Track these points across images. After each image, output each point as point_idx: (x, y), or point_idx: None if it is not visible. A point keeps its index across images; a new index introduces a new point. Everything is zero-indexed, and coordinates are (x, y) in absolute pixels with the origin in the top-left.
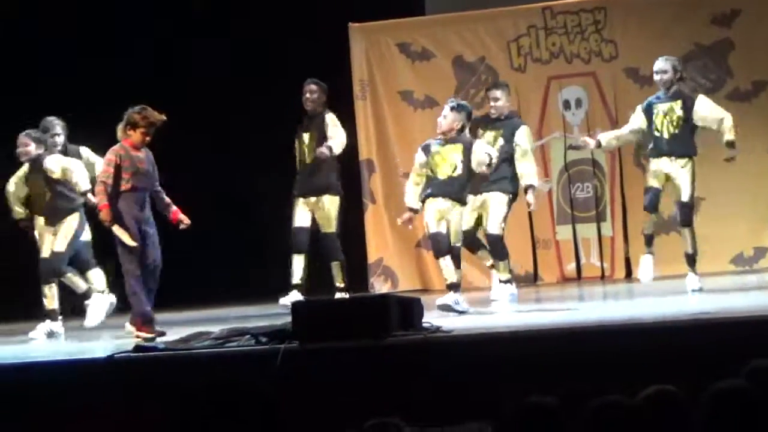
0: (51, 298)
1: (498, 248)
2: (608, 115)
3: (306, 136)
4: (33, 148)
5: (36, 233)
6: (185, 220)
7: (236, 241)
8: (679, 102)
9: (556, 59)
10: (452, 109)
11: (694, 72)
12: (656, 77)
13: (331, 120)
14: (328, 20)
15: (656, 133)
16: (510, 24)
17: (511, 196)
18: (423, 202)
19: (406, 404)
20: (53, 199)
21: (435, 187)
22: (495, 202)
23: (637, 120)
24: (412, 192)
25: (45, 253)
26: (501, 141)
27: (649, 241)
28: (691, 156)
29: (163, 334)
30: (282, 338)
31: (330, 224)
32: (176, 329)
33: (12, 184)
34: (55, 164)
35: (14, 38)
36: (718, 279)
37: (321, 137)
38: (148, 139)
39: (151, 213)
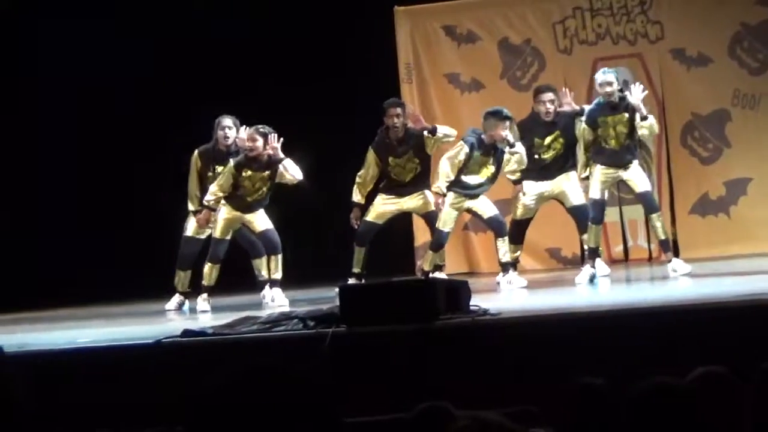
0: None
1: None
2: (654, 96)
3: (403, 159)
4: (261, 144)
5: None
6: None
7: (287, 225)
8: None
9: (602, 41)
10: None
11: (741, 52)
12: (547, 107)
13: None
14: (374, 4)
15: (605, 145)
16: (556, 6)
17: None
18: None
19: (455, 388)
20: (265, 196)
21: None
22: (573, 178)
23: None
24: None
25: (262, 227)
26: (561, 140)
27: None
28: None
29: None
30: (330, 322)
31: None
32: (224, 314)
33: (224, 177)
34: (296, 170)
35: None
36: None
37: (420, 154)
38: None
39: None
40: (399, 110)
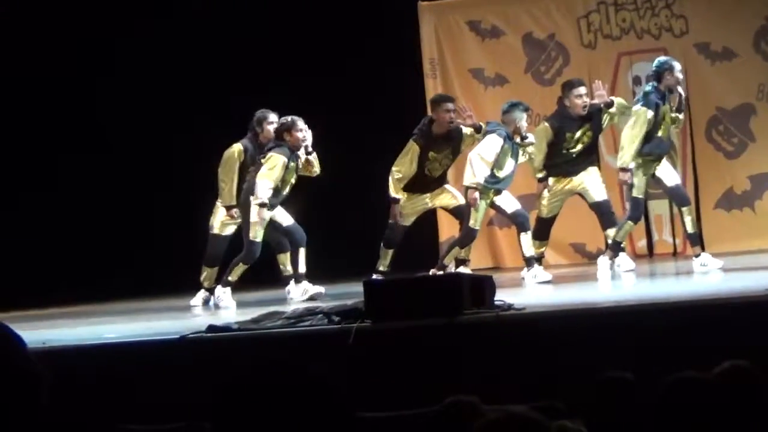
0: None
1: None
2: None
3: (441, 155)
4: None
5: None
6: None
7: (315, 222)
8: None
9: (627, 35)
10: None
11: (766, 46)
12: (584, 100)
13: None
14: None
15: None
16: (580, 0)
17: None
18: None
19: (480, 382)
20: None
21: None
22: (594, 174)
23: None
24: None
25: (287, 221)
26: (590, 134)
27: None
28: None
29: None
30: (355, 317)
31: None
32: (249, 309)
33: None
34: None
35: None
36: None
37: (456, 151)
38: None
39: None
40: (453, 105)
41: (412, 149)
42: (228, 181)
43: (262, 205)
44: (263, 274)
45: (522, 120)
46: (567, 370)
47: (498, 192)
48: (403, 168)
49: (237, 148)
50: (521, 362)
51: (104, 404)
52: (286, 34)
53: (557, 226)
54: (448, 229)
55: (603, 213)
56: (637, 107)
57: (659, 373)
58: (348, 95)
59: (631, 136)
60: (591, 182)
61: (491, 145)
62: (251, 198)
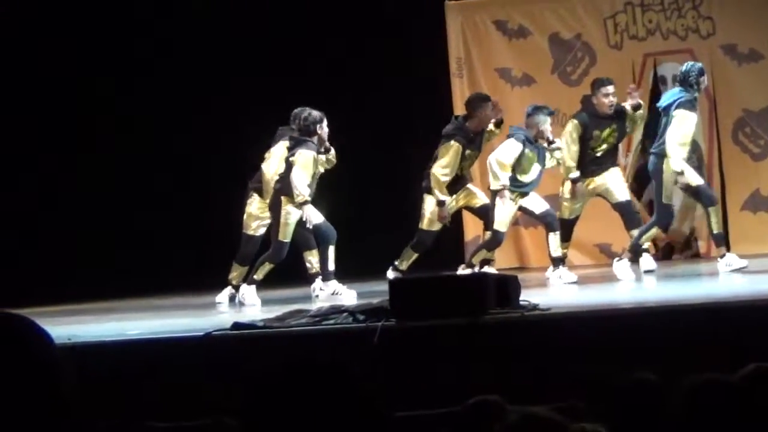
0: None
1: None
2: (705, 92)
3: (474, 153)
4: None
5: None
6: None
7: (340, 219)
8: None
9: (653, 36)
10: None
11: None
12: (611, 99)
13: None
14: None
15: None
16: (606, 1)
17: None
18: None
19: (504, 382)
20: None
21: None
22: (616, 174)
23: None
24: None
25: (317, 219)
26: (616, 135)
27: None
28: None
29: None
30: (379, 316)
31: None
32: (274, 307)
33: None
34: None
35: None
36: None
37: (480, 148)
38: None
39: None
40: (493, 102)
41: (454, 149)
42: (304, 181)
43: (305, 203)
44: (288, 272)
45: (545, 123)
46: (591, 371)
47: (524, 194)
48: (449, 169)
49: (313, 151)
50: (545, 362)
51: (129, 400)
52: (312, 32)
53: (582, 227)
54: (473, 228)
55: (626, 213)
56: (681, 111)
57: (683, 375)
58: (377, 95)
59: (680, 139)
60: (613, 183)
61: (509, 149)
62: (284, 198)
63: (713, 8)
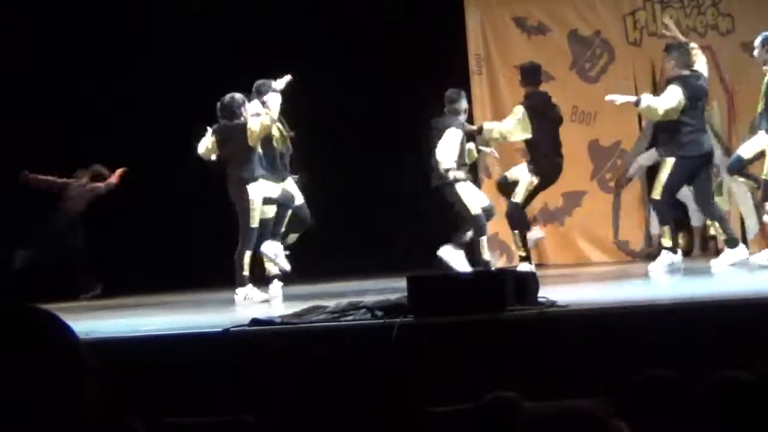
0: None
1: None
2: (724, 89)
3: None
4: None
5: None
6: None
7: (361, 216)
8: None
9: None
10: None
11: None
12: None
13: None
14: None
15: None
16: None
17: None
18: None
19: (523, 379)
20: None
21: None
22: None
23: None
24: None
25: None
26: None
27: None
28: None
29: None
30: (398, 312)
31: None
32: (293, 303)
33: None
34: None
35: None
36: None
37: None
38: None
39: None
40: None
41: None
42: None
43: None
44: (308, 268)
45: None
46: (610, 367)
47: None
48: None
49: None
50: (563, 359)
51: (148, 397)
52: (331, 24)
53: (601, 225)
54: (491, 225)
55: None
56: None
57: (703, 372)
58: (395, 91)
59: None
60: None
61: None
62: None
63: (732, 5)
